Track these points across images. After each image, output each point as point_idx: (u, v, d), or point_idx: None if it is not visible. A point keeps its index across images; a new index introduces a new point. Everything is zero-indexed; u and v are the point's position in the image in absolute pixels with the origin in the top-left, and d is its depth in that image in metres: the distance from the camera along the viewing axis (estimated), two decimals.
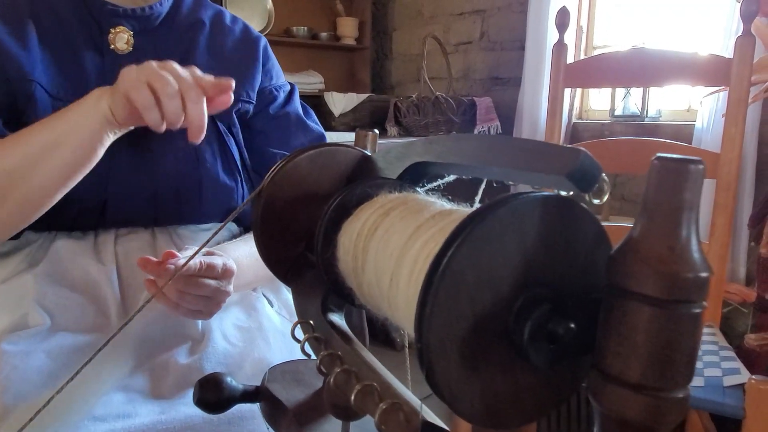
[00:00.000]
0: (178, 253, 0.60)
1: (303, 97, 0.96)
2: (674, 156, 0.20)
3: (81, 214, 0.75)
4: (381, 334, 2.28)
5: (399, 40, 2.97)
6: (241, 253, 0.75)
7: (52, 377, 0.62)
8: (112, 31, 0.77)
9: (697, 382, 1.08)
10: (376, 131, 0.44)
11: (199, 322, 0.74)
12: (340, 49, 2.93)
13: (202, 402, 0.45)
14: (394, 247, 0.25)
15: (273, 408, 0.46)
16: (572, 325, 0.21)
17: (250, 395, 0.46)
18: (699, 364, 1.12)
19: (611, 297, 0.21)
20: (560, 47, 1.45)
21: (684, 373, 0.21)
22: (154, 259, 0.58)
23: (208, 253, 0.65)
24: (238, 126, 0.84)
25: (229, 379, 0.45)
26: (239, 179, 0.83)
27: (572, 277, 0.23)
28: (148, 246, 0.78)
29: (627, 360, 0.21)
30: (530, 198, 0.21)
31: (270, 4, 2.52)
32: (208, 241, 0.57)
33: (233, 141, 0.82)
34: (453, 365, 0.21)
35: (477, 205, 0.29)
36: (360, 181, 0.32)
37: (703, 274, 0.20)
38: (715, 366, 1.13)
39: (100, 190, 0.74)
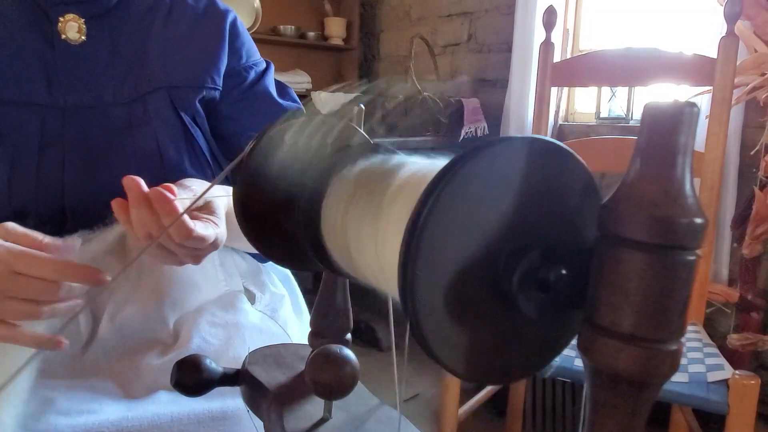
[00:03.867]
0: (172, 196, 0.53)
1: None
2: (669, 100, 0.20)
3: (41, 225, 0.71)
4: (366, 334, 2.26)
5: (387, 41, 2.97)
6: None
7: None
8: (61, 19, 0.71)
9: (681, 378, 1.08)
10: (362, 106, 0.43)
11: (171, 323, 0.71)
12: (328, 49, 2.92)
13: (179, 384, 0.43)
14: (377, 204, 0.24)
15: (253, 390, 0.45)
16: (564, 272, 0.20)
17: (229, 378, 0.45)
18: (683, 360, 1.12)
19: (603, 246, 0.21)
20: (547, 46, 1.46)
21: (677, 324, 0.20)
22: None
23: (194, 214, 0.57)
24: (204, 115, 0.78)
25: (208, 361, 0.44)
26: (208, 171, 0.78)
27: (562, 226, 0.22)
28: (118, 247, 0.73)
29: (619, 310, 0.20)
30: (514, 141, 0.20)
31: (257, 3, 2.51)
32: (195, 201, 0.55)
33: (200, 132, 0.77)
34: (442, 321, 0.20)
35: None
36: (346, 147, 0.31)
37: (698, 220, 0.19)
38: (699, 362, 1.13)
39: (56, 201, 0.69)
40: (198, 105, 0.77)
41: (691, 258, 0.20)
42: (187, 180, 0.61)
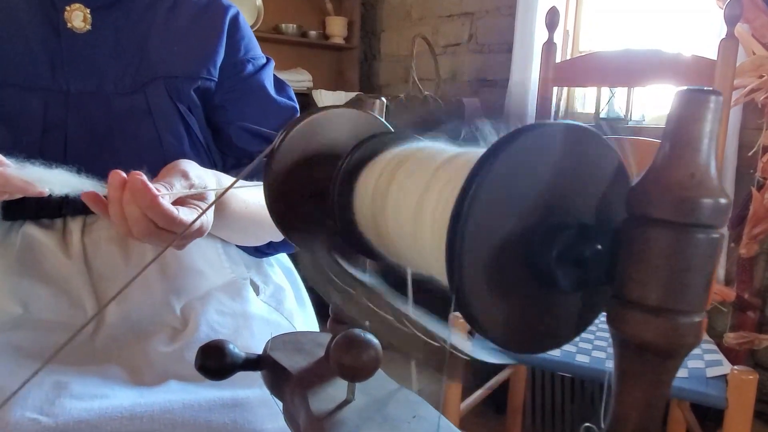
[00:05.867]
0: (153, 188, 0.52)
1: None
2: (696, 87, 0.21)
3: (41, 206, 0.71)
4: None
5: (387, 41, 2.99)
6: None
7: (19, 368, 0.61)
8: (68, 8, 0.73)
9: (680, 372, 1.10)
10: (384, 99, 0.45)
11: (177, 309, 0.73)
12: (329, 48, 2.93)
13: (204, 368, 0.44)
14: (415, 187, 0.25)
15: (276, 375, 0.46)
16: (599, 248, 0.22)
17: (252, 363, 0.46)
18: None
19: (632, 225, 0.22)
20: (550, 46, 1.48)
21: (701, 297, 0.22)
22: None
23: (182, 202, 0.57)
24: (199, 104, 0.79)
25: (231, 346, 0.45)
26: (206, 159, 0.80)
27: (593, 207, 0.23)
28: (117, 234, 0.73)
29: (647, 285, 0.22)
30: (552, 126, 0.22)
31: (259, 1, 2.52)
32: (205, 210, 0.56)
33: (195, 121, 0.79)
34: (485, 294, 0.21)
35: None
36: (376, 134, 0.33)
37: (723, 200, 0.21)
38: (698, 358, 1.15)
39: None
40: (193, 95, 0.78)
41: (716, 236, 0.21)
42: (186, 165, 0.61)
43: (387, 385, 0.43)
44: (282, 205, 0.38)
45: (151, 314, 0.71)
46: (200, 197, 0.58)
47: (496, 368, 1.46)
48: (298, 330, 0.81)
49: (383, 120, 0.39)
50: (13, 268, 0.69)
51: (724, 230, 0.21)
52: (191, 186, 0.58)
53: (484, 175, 0.20)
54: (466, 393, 1.36)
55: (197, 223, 0.54)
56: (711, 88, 0.21)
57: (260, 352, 0.67)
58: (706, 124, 0.21)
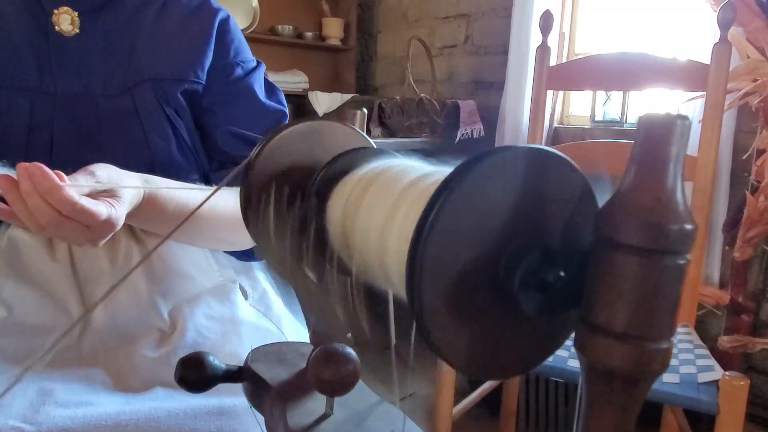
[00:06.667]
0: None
1: (287, 95, 0.92)
2: (661, 112, 0.21)
3: None
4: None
5: (384, 42, 2.99)
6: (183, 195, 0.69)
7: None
8: (56, 11, 0.73)
9: (672, 378, 1.10)
10: (365, 110, 0.44)
11: (165, 312, 0.72)
12: (325, 50, 2.93)
13: (183, 380, 0.44)
14: (381, 209, 0.25)
15: (256, 387, 0.46)
16: (562, 273, 0.21)
17: (232, 375, 0.46)
18: (674, 362, 1.14)
19: (599, 249, 0.22)
20: (543, 50, 1.48)
21: (667, 323, 0.21)
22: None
23: (95, 195, 0.56)
24: (187, 107, 0.79)
25: (211, 357, 0.45)
26: (192, 162, 0.80)
27: (559, 230, 0.23)
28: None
29: (613, 310, 0.21)
30: (514, 151, 0.21)
31: (255, 2, 2.51)
32: (187, 218, 0.56)
33: (182, 123, 0.78)
34: (447, 320, 0.21)
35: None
36: (349, 150, 0.33)
37: (688, 226, 0.21)
38: (690, 363, 1.15)
39: None
40: (180, 97, 0.78)
41: (681, 262, 0.21)
42: (96, 165, 0.60)
43: (368, 397, 0.43)
44: (255, 214, 0.37)
45: (137, 317, 0.71)
46: (110, 194, 0.57)
47: None
48: (287, 335, 0.81)
49: (363, 133, 0.39)
50: None
51: (690, 255, 0.20)
52: (97, 183, 0.57)
53: (442, 203, 0.20)
54: (460, 396, 1.36)
55: (104, 214, 0.53)
56: (676, 114, 0.20)
57: None
58: (671, 148, 0.21)
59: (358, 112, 0.48)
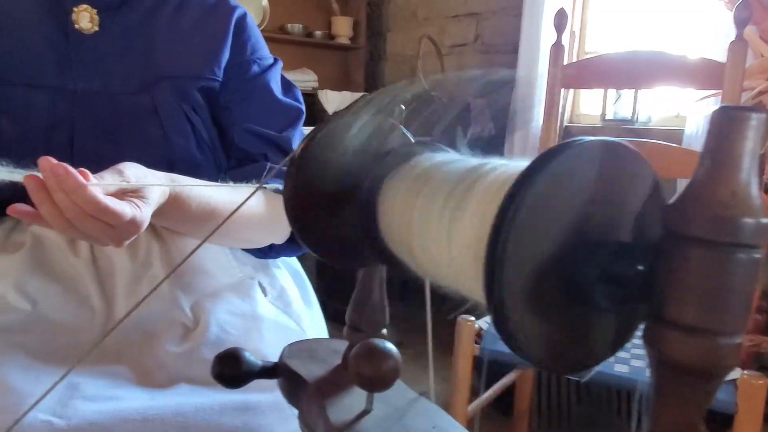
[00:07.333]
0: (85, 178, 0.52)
1: None
2: (737, 105, 0.21)
3: None
4: None
5: (393, 41, 2.99)
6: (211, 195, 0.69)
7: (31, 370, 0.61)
8: (75, 9, 0.74)
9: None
10: (403, 107, 0.44)
11: (187, 308, 0.72)
12: (335, 48, 2.93)
13: (221, 376, 0.44)
14: (445, 204, 0.25)
15: (292, 383, 0.46)
16: (640, 267, 0.21)
17: (268, 371, 0.46)
18: None
19: (669, 243, 0.22)
20: (557, 48, 1.47)
21: (740, 318, 0.21)
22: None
23: (122, 195, 0.56)
24: (205, 105, 0.79)
25: (247, 354, 0.45)
26: (211, 159, 0.80)
27: (630, 225, 0.23)
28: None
29: (684, 304, 0.21)
30: (590, 144, 0.21)
31: (265, 1, 2.52)
32: (223, 221, 0.56)
33: (200, 121, 0.79)
34: (524, 315, 0.21)
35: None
36: (400, 145, 0.33)
37: (764, 220, 0.21)
38: None
39: None
40: (198, 95, 0.78)
41: (756, 256, 0.21)
42: (124, 164, 0.60)
43: (405, 394, 0.43)
44: (300, 212, 0.37)
45: (160, 312, 0.71)
46: (137, 195, 0.57)
47: (504, 371, 1.46)
48: (307, 332, 0.81)
49: (404, 129, 0.39)
50: (22, 265, 0.69)
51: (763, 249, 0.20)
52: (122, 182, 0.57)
53: (522, 195, 0.20)
54: (473, 395, 1.35)
55: (128, 214, 0.53)
56: (752, 106, 0.20)
57: (269, 355, 0.67)
58: (747, 142, 0.21)
59: (396, 108, 0.47)
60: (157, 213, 0.63)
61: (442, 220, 0.24)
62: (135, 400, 0.62)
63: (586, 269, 0.21)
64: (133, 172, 0.59)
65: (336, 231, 0.37)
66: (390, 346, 0.38)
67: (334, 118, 0.38)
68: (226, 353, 0.44)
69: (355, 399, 0.42)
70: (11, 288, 0.66)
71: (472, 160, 0.27)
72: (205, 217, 0.70)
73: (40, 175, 0.52)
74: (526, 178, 0.20)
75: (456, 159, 0.29)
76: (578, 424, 1.67)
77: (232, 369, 0.44)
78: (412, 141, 0.39)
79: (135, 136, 0.75)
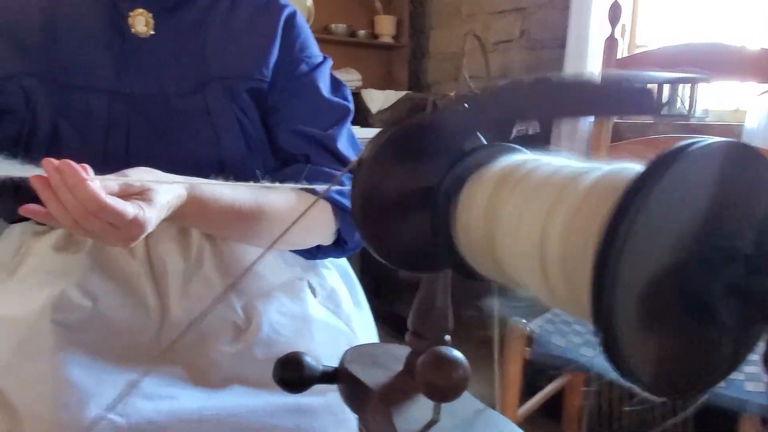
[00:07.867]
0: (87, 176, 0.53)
1: None
2: None
3: None
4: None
5: (436, 38, 2.96)
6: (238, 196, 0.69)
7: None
8: (131, 14, 0.76)
9: (756, 387, 1.04)
10: (467, 105, 0.43)
11: (239, 308, 0.73)
12: (378, 47, 2.93)
13: (283, 381, 0.44)
14: (538, 210, 0.23)
15: (354, 389, 0.45)
16: None
17: (329, 376, 0.46)
18: (754, 369, 1.08)
19: None
20: (612, 42, 1.42)
21: None
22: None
23: (127, 197, 0.57)
24: (254, 105, 0.80)
25: (308, 358, 0.45)
26: (260, 159, 0.80)
27: (752, 234, 0.21)
28: (177, 233, 0.75)
29: None
30: (713, 145, 0.19)
31: (310, 1, 2.53)
32: (281, 235, 0.56)
33: (249, 122, 0.79)
34: (635, 335, 0.19)
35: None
36: (474, 149, 0.31)
37: None
38: None
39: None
40: (246, 95, 0.79)
41: None
42: (132, 169, 0.60)
43: (471, 404, 0.42)
44: (370, 216, 0.36)
45: (213, 312, 0.72)
46: (143, 196, 0.57)
47: (553, 374, 1.42)
48: (356, 333, 0.81)
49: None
50: (84, 265, 0.71)
51: None
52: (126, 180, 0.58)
53: (640, 202, 0.18)
54: (522, 399, 1.32)
55: (130, 214, 0.54)
56: None
57: (321, 356, 0.66)
58: None
59: (461, 108, 0.46)
60: (178, 215, 0.64)
61: (534, 229, 0.23)
62: (190, 399, 0.62)
63: (710, 283, 0.19)
64: (138, 176, 0.59)
65: (404, 236, 0.36)
66: (458, 354, 0.37)
67: (404, 118, 0.36)
68: (288, 357, 0.44)
69: (420, 408, 0.41)
70: (74, 286, 0.68)
71: (561, 164, 0.25)
72: (232, 218, 0.70)
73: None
74: (640, 185, 0.18)
75: (541, 162, 0.27)
76: (628, 428, 1.62)
77: (294, 373, 0.44)
78: (484, 142, 0.38)
79: (187, 137, 0.76)
